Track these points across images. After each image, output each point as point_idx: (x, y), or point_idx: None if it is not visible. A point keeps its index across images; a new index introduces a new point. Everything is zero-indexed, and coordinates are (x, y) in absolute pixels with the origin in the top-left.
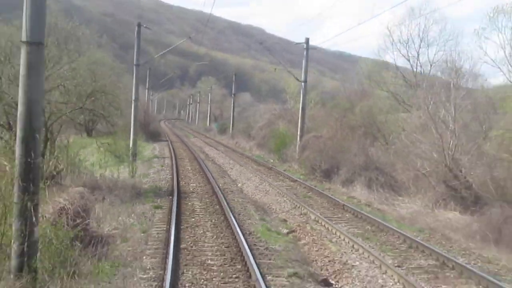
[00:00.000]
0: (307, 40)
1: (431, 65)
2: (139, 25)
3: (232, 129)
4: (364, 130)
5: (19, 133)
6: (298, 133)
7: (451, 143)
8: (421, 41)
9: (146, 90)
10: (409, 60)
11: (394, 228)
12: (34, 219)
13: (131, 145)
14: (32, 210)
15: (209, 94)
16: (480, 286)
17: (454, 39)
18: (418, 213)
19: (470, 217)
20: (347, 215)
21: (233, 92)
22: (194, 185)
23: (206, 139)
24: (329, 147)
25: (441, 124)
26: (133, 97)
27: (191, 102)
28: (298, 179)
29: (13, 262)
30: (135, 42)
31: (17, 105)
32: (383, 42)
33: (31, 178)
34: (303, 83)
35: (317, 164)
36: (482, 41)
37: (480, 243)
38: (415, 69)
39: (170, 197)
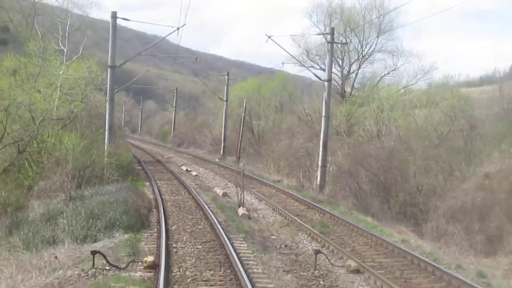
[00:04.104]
0: (176, 88)
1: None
2: (114, 16)
3: (140, 130)
4: (202, 128)
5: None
6: (172, 130)
7: (217, 131)
8: None
9: None
10: None
11: (185, 153)
12: None
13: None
14: None
15: (123, 106)
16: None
17: None
18: (199, 153)
19: (214, 153)
20: (179, 153)
21: (141, 107)
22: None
23: (124, 137)
24: (183, 135)
25: (218, 122)
26: (108, 98)
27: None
28: (168, 147)
29: None
30: (110, 38)
31: None
32: None
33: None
34: (174, 108)
35: (177, 142)
36: None
37: (211, 155)
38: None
39: None
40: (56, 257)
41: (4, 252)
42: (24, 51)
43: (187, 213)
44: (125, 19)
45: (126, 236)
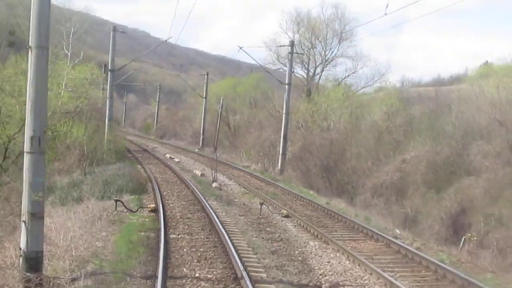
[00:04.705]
0: (159, 84)
1: None
2: (114, 30)
3: (124, 123)
4: (183, 121)
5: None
6: (155, 123)
7: (197, 124)
8: None
9: None
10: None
11: (168, 144)
12: None
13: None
14: None
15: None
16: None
17: None
18: (181, 144)
19: (194, 144)
20: (162, 144)
21: (125, 101)
22: None
23: None
24: (165, 128)
25: (198, 117)
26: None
27: None
28: (151, 139)
29: None
30: (110, 47)
31: None
32: None
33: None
34: (157, 103)
35: (160, 134)
36: None
37: (191, 146)
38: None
39: None
40: (88, 207)
41: (48, 206)
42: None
43: (173, 185)
44: (123, 32)
45: (132, 196)
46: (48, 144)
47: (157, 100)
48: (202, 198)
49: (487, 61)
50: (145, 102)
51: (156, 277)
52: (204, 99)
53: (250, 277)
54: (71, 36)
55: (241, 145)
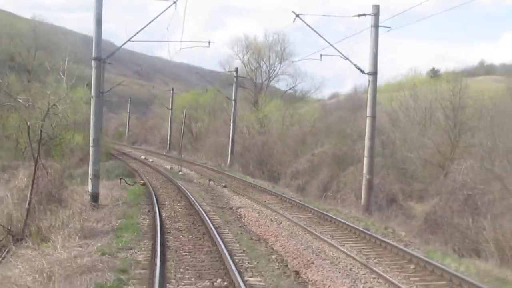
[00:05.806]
0: (130, 97)
1: None
2: (103, 62)
3: None
4: (152, 129)
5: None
6: (127, 131)
7: (164, 132)
8: None
9: None
10: None
11: (140, 148)
12: None
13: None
14: None
15: None
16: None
17: None
18: (151, 149)
19: (162, 148)
20: (136, 149)
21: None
22: None
23: None
24: (136, 135)
25: (165, 125)
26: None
27: None
28: (124, 145)
29: None
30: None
31: None
32: None
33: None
34: (129, 113)
35: (131, 141)
36: None
37: (160, 150)
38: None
39: None
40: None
41: (75, 186)
42: (32, 76)
43: (152, 173)
44: (110, 63)
45: (128, 179)
46: (56, 148)
47: (128, 111)
48: (173, 179)
49: (433, 68)
50: (112, 111)
51: (153, 204)
52: (170, 111)
53: (198, 204)
54: (66, 63)
55: (202, 148)
